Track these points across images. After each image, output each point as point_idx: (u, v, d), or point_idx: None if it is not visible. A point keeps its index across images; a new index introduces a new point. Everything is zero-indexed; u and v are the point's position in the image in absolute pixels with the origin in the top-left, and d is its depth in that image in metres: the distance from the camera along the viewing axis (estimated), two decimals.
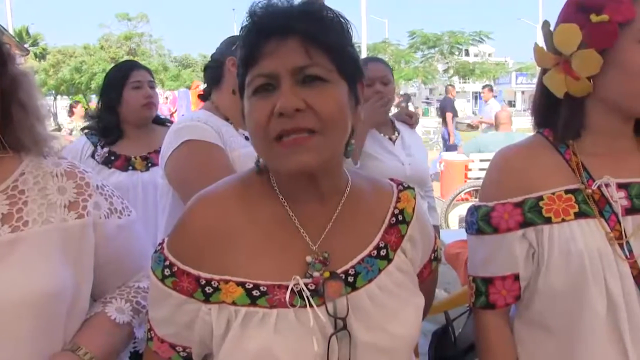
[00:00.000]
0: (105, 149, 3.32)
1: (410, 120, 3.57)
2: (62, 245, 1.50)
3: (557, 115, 1.60)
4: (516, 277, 1.60)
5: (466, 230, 1.70)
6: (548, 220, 1.52)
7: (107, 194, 1.64)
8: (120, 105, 3.35)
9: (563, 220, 1.51)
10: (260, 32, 1.26)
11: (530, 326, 1.63)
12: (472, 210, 1.65)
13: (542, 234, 1.53)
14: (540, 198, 1.54)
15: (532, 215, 1.54)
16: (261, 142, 1.28)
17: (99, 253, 1.58)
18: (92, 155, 3.31)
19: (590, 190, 1.53)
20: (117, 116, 3.37)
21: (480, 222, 1.61)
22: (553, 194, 1.54)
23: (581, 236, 1.49)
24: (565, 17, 1.55)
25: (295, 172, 1.27)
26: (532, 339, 1.63)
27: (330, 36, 1.27)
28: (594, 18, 1.47)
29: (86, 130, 3.49)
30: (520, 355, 1.64)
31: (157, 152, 3.25)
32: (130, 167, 3.29)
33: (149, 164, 3.31)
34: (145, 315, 1.67)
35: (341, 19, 1.32)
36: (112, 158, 3.31)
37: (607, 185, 1.53)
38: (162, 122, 3.57)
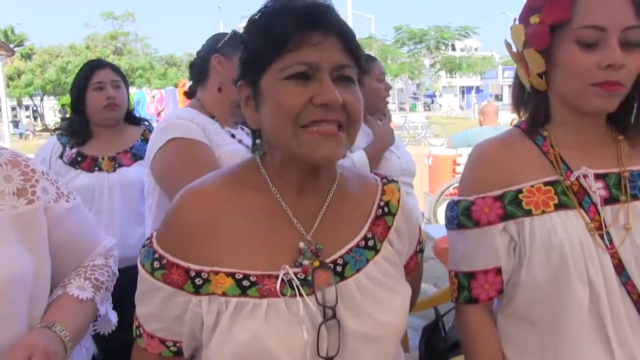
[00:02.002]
0: (74, 150, 3.27)
1: (384, 117, 3.64)
2: (15, 231, 1.51)
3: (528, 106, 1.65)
4: (498, 271, 1.60)
5: (446, 226, 1.70)
6: (528, 213, 1.53)
7: (52, 179, 1.66)
8: (85, 107, 3.31)
9: (543, 212, 1.52)
10: (306, 20, 1.26)
11: (514, 319, 1.63)
12: (452, 205, 1.65)
13: (522, 227, 1.54)
14: (520, 191, 1.55)
15: (513, 208, 1.54)
16: (287, 128, 1.27)
17: (51, 237, 1.60)
18: (61, 156, 3.27)
19: (569, 182, 1.54)
20: (85, 117, 3.33)
21: (461, 217, 1.61)
22: (532, 186, 1.55)
23: (562, 227, 1.50)
24: (519, 16, 1.60)
25: (320, 161, 1.29)
26: (516, 332, 1.63)
27: (355, 40, 1.31)
28: (531, 19, 1.53)
29: (58, 131, 3.44)
30: (505, 349, 1.65)
31: (126, 152, 3.26)
32: (97, 168, 3.24)
33: (117, 165, 3.26)
34: (105, 292, 1.72)
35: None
36: (79, 159, 3.26)
37: (585, 176, 1.54)
38: (137, 122, 3.52)
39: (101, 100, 3.27)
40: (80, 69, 3.47)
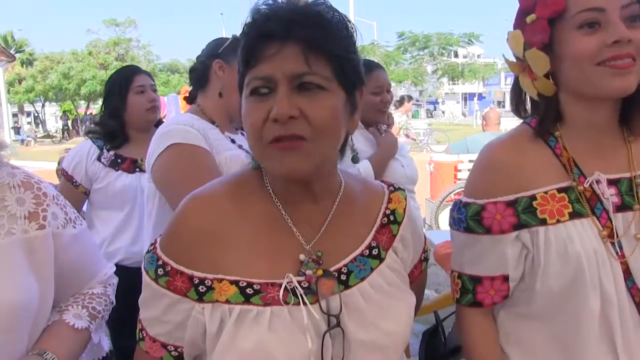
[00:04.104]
0: (112, 152, 3.37)
1: (387, 120, 3.65)
2: (25, 256, 1.49)
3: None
4: (505, 278, 1.58)
5: (450, 226, 1.67)
6: (543, 222, 1.50)
7: (62, 204, 1.63)
8: (124, 110, 3.39)
9: (558, 221, 1.50)
10: (262, 33, 1.25)
11: (520, 318, 1.62)
12: (459, 207, 1.62)
13: (537, 236, 1.51)
14: (534, 197, 1.52)
15: (527, 217, 1.52)
16: (256, 144, 1.29)
17: (55, 262, 1.57)
18: (99, 159, 3.36)
19: (582, 187, 1.52)
20: (122, 121, 3.41)
21: (470, 222, 1.58)
22: (546, 193, 1.52)
23: (577, 237, 1.48)
24: (514, 24, 1.59)
25: (287, 176, 1.29)
26: (520, 331, 1.62)
27: (332, 44, 1.26)
28: (527, 19, 1.52)
29: (90, 135, 3.53)
30: (506, 346, 1.65)
31: None
32: (137, 169, 3.34)
33: None
34: (101, 321, 1.71)
35: (347, 23, 1.32)
36: (119, 161, 3.36)
37: (597, 181, 1.52)
38: None
39: (144, 103, 3.39)
40: (115, 74, 3.58)
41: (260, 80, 1.25)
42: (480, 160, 1.63)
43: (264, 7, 1.28)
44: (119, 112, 3.39)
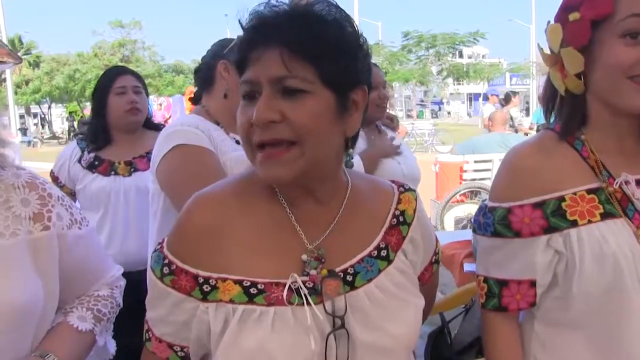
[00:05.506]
0: (92, 154, 3.37)
1: (392, 123, 3.64)
2: (30, 257, 1.49)
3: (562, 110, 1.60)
4: (532, 284, 1.55)
5: (475, 231, 1.64)
6: (574, 224, 1.47)
7: (67, 204, 1.64)
8: (106, 112, 3.38)
9: (589, 221, 1.47)
10: (248, 39, 1.28)
11: (558, 327, 1.58)
12: (485, 211, 1.59)
13: (569, 238, 1.48)
14: (562, 199, 1.49)
15: (557, 220, 1.48)
16: (246, 148, 1.31)
17: (61, 263, 1.58)
18: (79, 160, 3.37)
19: (612, 189, 1.49)
20: (106, 122, 3.40)
21: (499, 226, 1.54)
22: (575, 194, 1.49)
23: (612, 237, 1.45)
24: (555, 16, 1.55)
25: (270, 182, 1.31)
26: (558, 340, 1.58)
27: (315, 46, 1.24)
28: (570, 17, 1.48)
29: (79, 136, 3.54)
30: (542, 356, 1.61)
31: (142, 157, 3.34)
32: (113, 172, 3.33)
33: (132, 169, 3.35)
34: (106, 323, 1.71)
35: (346, 23, 1.31)
36: (96, 163, 3.35)
37: (627, 182, 1.49)
38: (156, 127, 3.57)
39: (123, 104, 3.35)
40: (103, 74, 3.57)
41: (247, 84, 1.27)
42: (505, 165, 1.60)
43: (254, 11, 1.29)
44: (102, 113, 3.39)
